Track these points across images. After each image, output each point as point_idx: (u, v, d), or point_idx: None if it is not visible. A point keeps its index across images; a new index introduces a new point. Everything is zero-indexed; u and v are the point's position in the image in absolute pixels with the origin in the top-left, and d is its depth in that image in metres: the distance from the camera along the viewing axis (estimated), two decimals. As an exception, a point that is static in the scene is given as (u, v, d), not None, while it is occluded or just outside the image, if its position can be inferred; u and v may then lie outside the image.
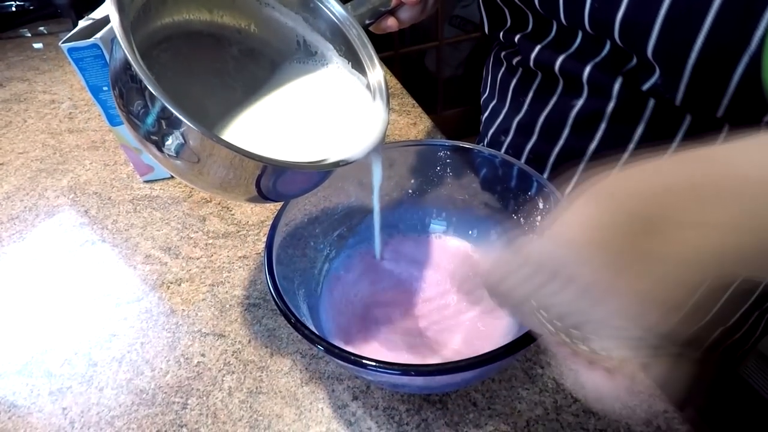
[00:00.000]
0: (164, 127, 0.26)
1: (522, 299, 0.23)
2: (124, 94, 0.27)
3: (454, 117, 1.71)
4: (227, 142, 0.26)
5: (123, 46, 0.24)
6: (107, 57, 0.49)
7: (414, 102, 0.72)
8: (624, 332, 0.20)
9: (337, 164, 0.32)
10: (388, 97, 0.37)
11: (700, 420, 0.34)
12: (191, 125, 0.25)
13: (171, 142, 0.27)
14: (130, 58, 0.24)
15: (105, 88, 0.52)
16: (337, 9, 0.37)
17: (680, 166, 0.21)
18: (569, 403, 0.35)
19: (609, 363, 0.21)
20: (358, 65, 0.38)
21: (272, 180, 0.30)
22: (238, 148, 0.27)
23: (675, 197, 0.20)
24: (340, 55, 0.38)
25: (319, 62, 0.39)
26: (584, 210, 0.21)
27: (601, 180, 0.21)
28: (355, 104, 0.37)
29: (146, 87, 0.24)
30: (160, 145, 0.27)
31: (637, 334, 0.19)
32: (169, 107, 0.25)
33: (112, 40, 0.27)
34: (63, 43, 0.48)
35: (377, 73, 0.37)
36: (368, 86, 0.37)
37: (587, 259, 0.20)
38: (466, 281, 0.26)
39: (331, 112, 0.37)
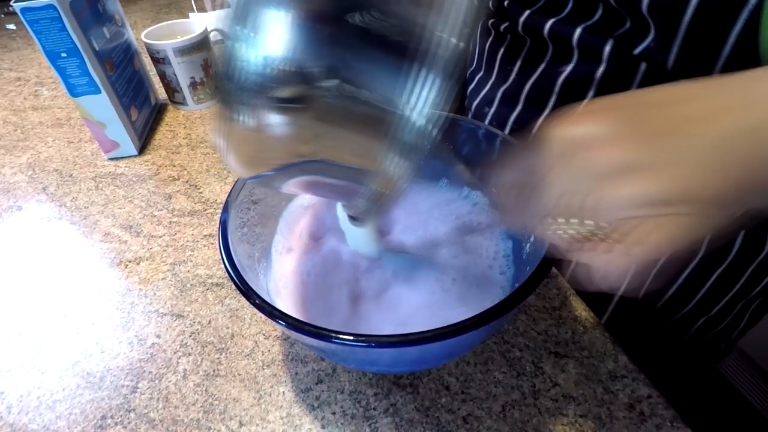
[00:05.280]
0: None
1: (534, 199, 0.22)
2: None
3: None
4: None
5: None
6: (65, 20, 0.46)
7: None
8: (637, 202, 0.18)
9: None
10: None
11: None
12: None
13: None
14: None
15: (63, 55, 0.49)
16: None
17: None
18: (548, 388, 0.33)
19: (618, 243, 0.20)
20: None
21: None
22: None
23: (684, 88, 0.19)
24: None
25: None
26: (577, 111, 0.20)
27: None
28: None
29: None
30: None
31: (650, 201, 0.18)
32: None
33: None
34: (16, 2, 0.44)
35: None
36: None
37: (600, 135, 0.19)
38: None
39: None
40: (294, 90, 0.17)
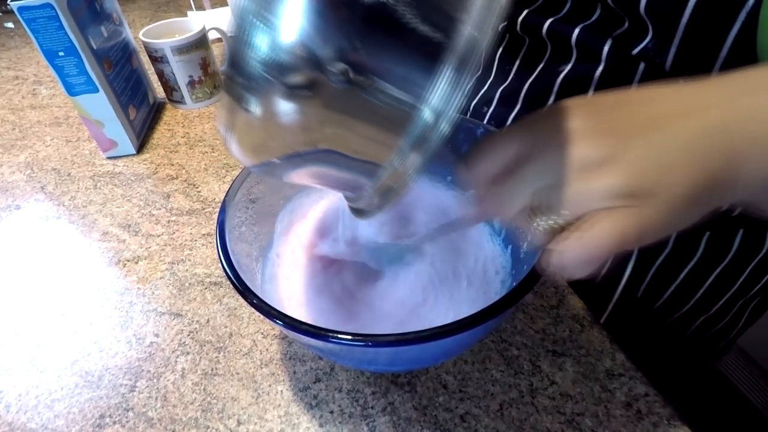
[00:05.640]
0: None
1: (511, 190, 0.22)
2: None
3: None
4: None
5: None
6: (62, 18, 0.46)
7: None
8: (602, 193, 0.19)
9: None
10: None
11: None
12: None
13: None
14: None
15: (61, 53, 0.49)
16: None
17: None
18: (545, 386, 0.33)
19: (576, 232, 0.20)
20: None
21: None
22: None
23: (659, 89, 0.20)
24: None
25: None
26: (554, 107, 0.21)
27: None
28: None
29: None
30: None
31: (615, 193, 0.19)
32: None
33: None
34: (13, 1, 0.44)
35: None
36: None
37: (578, 124, 0.20)
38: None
39: None
40: (304, 76, 0.17)
